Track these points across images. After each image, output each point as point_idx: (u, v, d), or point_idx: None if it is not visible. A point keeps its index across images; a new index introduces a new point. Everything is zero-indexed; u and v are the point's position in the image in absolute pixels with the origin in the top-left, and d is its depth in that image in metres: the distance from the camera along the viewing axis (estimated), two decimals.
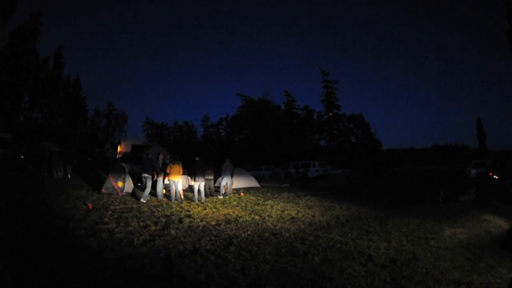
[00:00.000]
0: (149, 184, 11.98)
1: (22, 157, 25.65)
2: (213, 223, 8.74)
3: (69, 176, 17.19)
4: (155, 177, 12.21)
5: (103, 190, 12.42)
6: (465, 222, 9.78)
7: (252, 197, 14.49)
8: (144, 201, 11.46)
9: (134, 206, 10.52)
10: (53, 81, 60.69)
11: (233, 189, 15.79)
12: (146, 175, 12.13)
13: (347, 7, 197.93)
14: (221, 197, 13.98)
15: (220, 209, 11.11)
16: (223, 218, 9.53)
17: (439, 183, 21.86)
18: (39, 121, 60.09)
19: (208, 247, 6.43)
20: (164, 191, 12.83)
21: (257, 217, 9.99)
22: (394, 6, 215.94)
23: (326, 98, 66.87)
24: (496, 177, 21.09)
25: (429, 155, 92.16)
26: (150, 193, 12.00)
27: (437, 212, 11.53)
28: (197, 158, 13.35)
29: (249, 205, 12.22)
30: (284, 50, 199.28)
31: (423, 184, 23.51)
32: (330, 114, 65.93)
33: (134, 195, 12.60)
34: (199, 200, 12.39)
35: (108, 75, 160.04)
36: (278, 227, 8.69)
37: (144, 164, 12.70)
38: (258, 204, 12.69)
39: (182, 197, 12.55)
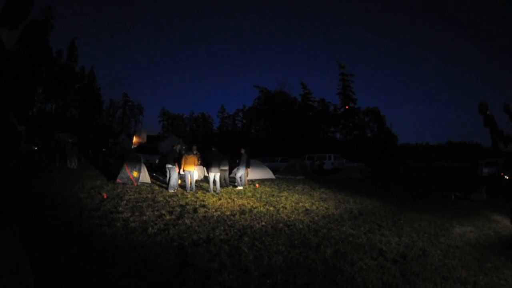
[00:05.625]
0: (173, 174, 12.27)
1: (36, 148, 26.08)
2: (228, 213, 8.86)
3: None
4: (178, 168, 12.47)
5: (118, 180, 12.62)
6: (475, 221, 9.70)
7: (267, 189, 14.60)
8: (172, 191, 11.83)
9: (149, 196, 10.70)
10: (67, 73, 61.45)
11: (248, 180, 15.96)
12: (169, 165, 12.43)
13: (363, 1, 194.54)
14: (241, 187, 14.13)
15: (235, 199, 11.23)
16: (237, 208, 9.64)
17: (452, 180, 21.64)
18: (53, 112, 60.99)
19: (222, 237, 6.53)
20: (179, 181, 13.07)
21: (271, 208, 10.08)
22: (411, 3, 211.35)
23: (342, 91, 66.62)
24: (507, 177, 20.81)
25: (443, 152, 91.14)
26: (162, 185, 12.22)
27: (448, 210, 11.45)
28: (213, 149, 13.50)
29: (264, 196, 12.32)
30: (300, 42, 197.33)
31: (436, 181, 23.29)
32: (347, 107, 65.51)
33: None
34: (214, 191, 12.52)
35: (124, 66, 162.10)
36: (292, 218, 8.76)
37: (168, 156, 13.00)
38: (273, 195, 12.77)
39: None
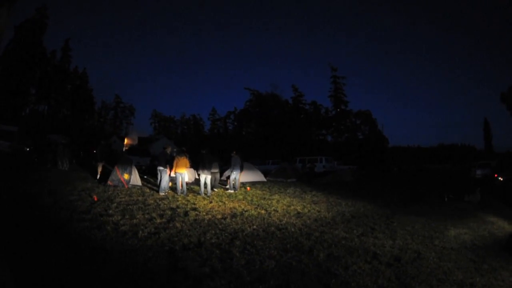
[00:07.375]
0: (164, 177, 12.11)
1: (28, 149, 25.75)
2: (219, 216, 8.75)
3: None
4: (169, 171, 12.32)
5: (109, 182, 12.36)
6: (469, 223, 9.73)
7: (258, 191, 14.46)
8: (163, 194, 11.65)
9: (140, 198, 10.54)
10: (60, 74, 60.83)
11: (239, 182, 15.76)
12: (161, 168, 12.27)
13: (355, 4, 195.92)
14: (232, 191, 13.80)
15: (226, 202, 11.10)
16: (229, 212, 9.54)
17: (445, 182, 21.73)
18: (46, 113, 60.45)
19: (213, 240, 6.44)
20: (170, 183, 12.89)
21: (263, 211, 9.99)
22: (403, 5, 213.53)
23: (334, 93, 66.79)
24: (501, 179, 21.00)
25: (435, 154, 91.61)
26: (153, 187, 12.05)
27: (442, 212, 11.48)
28: (203, 151, 13.31)
29: (255, 199, 12.22)
30: (292, 44, 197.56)
31: (429, 183, 23.39)
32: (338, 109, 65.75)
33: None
34: (205, 194, 12.38)
35: (116, 68, 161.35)
36: (283, 222, 8.69)
37: (159, 158, 12.81)
38: (264, 198, 12.68)
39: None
